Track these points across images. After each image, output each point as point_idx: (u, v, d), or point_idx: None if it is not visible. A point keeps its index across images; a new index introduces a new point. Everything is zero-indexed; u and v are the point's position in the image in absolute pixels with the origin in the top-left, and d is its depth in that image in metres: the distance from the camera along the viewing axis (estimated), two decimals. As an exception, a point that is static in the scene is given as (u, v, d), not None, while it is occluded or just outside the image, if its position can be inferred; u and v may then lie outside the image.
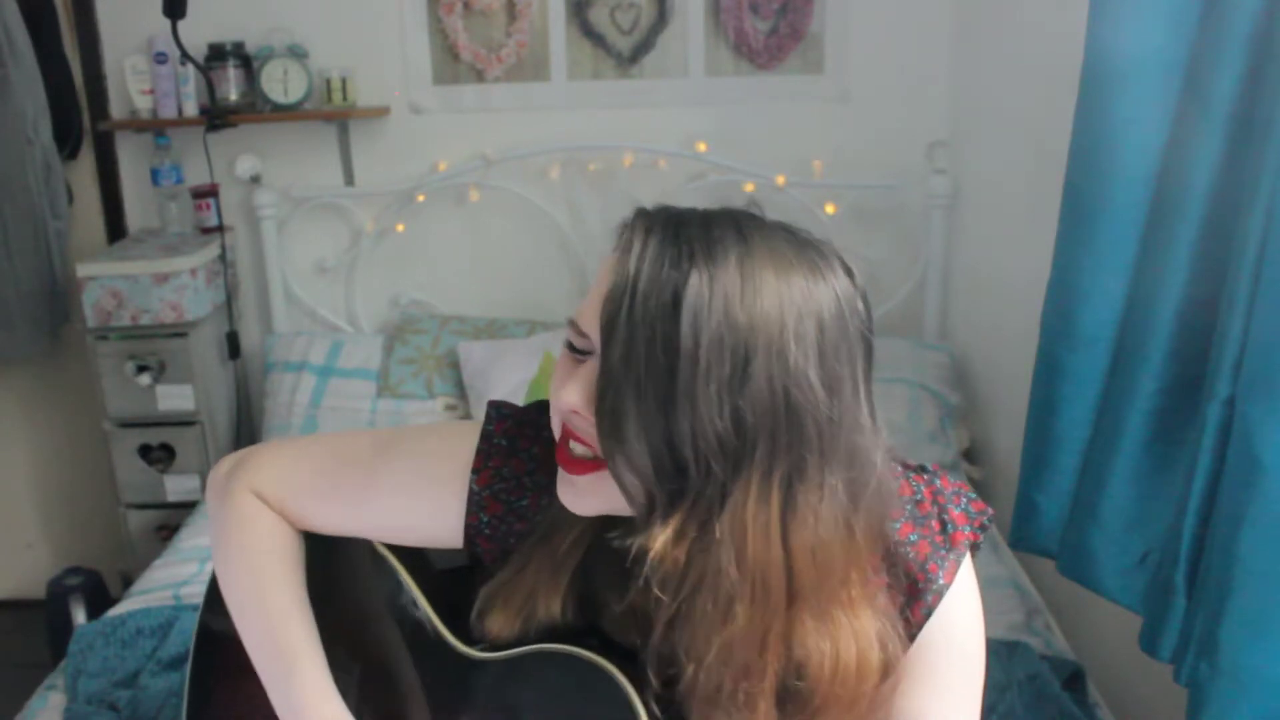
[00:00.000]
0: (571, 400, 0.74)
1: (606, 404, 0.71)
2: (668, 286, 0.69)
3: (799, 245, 0.73)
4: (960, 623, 0.84)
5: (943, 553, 0.83)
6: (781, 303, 0.70)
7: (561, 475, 0.79)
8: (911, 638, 0.83)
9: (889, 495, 0.79)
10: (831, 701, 0.77)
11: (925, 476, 0.87)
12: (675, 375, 0.69)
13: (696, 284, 0.68)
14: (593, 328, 0.74)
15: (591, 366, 0.74)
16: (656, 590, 0.74)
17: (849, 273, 0.75)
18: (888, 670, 0.79)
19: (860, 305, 0.75)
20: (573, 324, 0.76)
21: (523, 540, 0.89)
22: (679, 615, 0.75)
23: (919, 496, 0.86)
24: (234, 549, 0.95)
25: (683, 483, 0.72)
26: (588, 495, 0.78)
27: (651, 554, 0.72)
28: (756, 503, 0.71)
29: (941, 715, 0.83)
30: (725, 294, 0.69)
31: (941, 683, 0.84)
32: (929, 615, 0.83)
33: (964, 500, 0.87)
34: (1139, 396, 1.34)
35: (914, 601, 0.83)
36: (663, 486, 0.72)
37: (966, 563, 0.85)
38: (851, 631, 0.76)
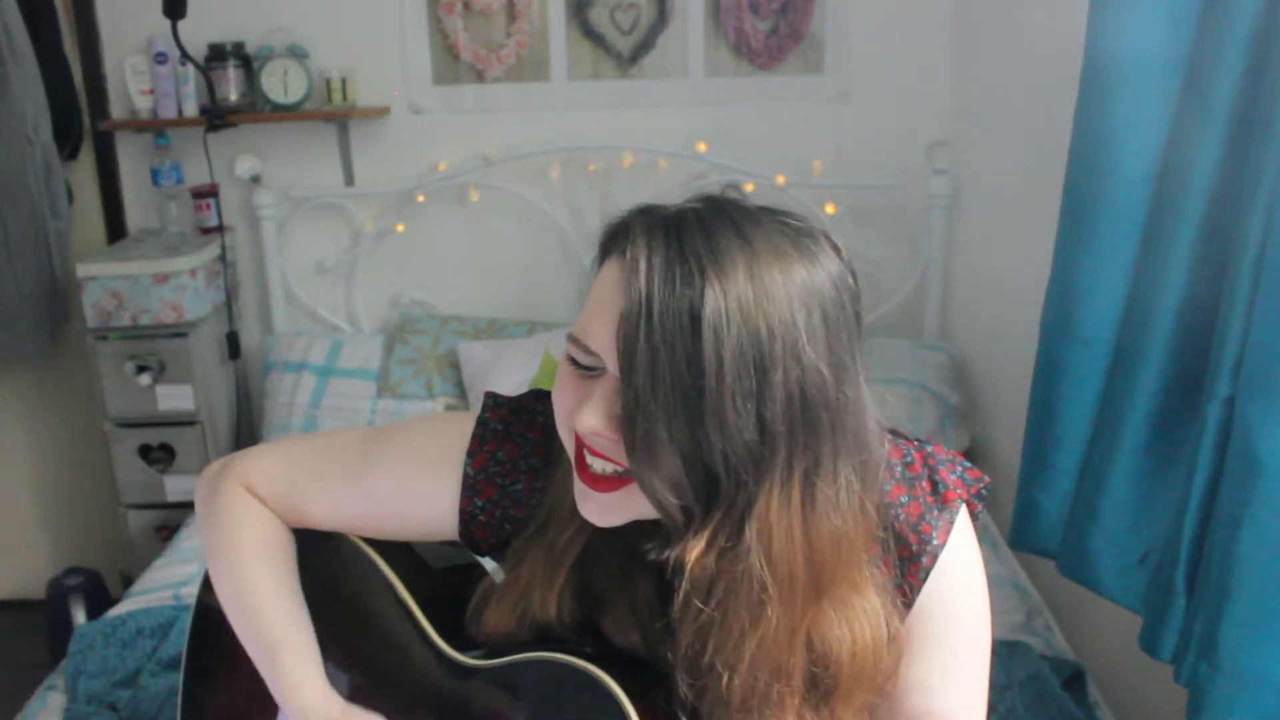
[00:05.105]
0: (592, 424, 0.73)
1: (638, 430, 0.70)
2: (684, 305, 0.68)
3: (792, 234, 0.73)
4: (959, 585, 0.84)
5: (935, 513, 0.83)
6: (791, 302, 0.70)
7: (582, 490, 0.77)
8: (910, 604, 0.83)
9: (880, 460, 0.80)
10: (853, 684, 0.78)
11: (916, 442, 0.87)
12: (703, 394, 0.68)
13: (713, 299, 0.68)
14: (603, 347, 0.72)
15: (605, 385, 0.73)
16: (691, 599, 0.74)
17: (835, 248, 0.75)
18: (893, 643, 0.80)
19: (850, 281, 0.75)
20: (576, 341, 0.75)
21: (519, 527, 0.88)
22: (710, 623, 0.75)
23: (909, 459, 0.86)
24: (218, 539, 0.95)
25: (715, 494, 0.72)
26: (615, 510, 0.77)
27: (688, 565, 0.72)
28: (779, 504, 0.72)
29: (947, 682, 0.83)
30: (740, 304, 0.68)
31: (945, 650, 0.83)
32: (925, 578, 0.82)
33: (959, 468, 0.87)
34: (1139, 396, 1.34)
35: (910, 565, 0.82)
36: (696, 499, 0.72)
37: (962, 522, 0.85)
38: (865, 612, 0.77)
